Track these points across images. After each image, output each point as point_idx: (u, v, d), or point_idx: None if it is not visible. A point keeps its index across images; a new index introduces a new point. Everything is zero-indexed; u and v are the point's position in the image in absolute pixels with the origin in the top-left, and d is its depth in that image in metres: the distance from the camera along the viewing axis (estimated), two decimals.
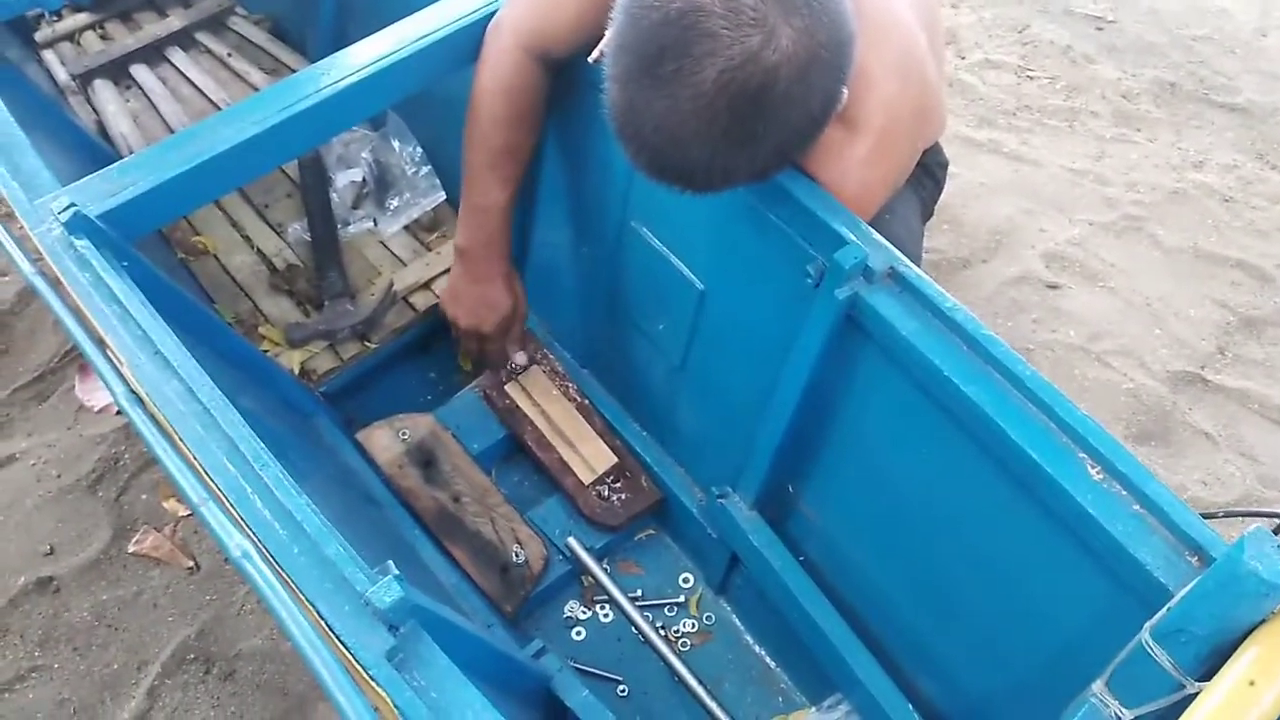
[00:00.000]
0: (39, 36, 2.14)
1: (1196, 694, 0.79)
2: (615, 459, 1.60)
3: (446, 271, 1.71)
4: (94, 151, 1.89)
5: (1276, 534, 0.82)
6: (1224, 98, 2.73)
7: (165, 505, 1.73)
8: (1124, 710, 0.87)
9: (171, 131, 1.95)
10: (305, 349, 1.68)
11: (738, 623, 1.55)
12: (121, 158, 1.84)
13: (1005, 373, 1.03)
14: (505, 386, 1.66)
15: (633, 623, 1.51)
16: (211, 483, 0.95)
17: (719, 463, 1.48)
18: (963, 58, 2.81)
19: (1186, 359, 2.13)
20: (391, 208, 1.87)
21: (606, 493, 1.59)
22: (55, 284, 1.10)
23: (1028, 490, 1.01)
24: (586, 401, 1.66)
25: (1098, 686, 0.90)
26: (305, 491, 0.93)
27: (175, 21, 2.18)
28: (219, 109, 1.98)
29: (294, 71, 2.06)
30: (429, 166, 1.89)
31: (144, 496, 1.75)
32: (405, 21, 1.40)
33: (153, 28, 2.18)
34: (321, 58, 1.39)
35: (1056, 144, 2.58)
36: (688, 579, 1.59)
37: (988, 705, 1.21)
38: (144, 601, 1.63)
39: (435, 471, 1.56)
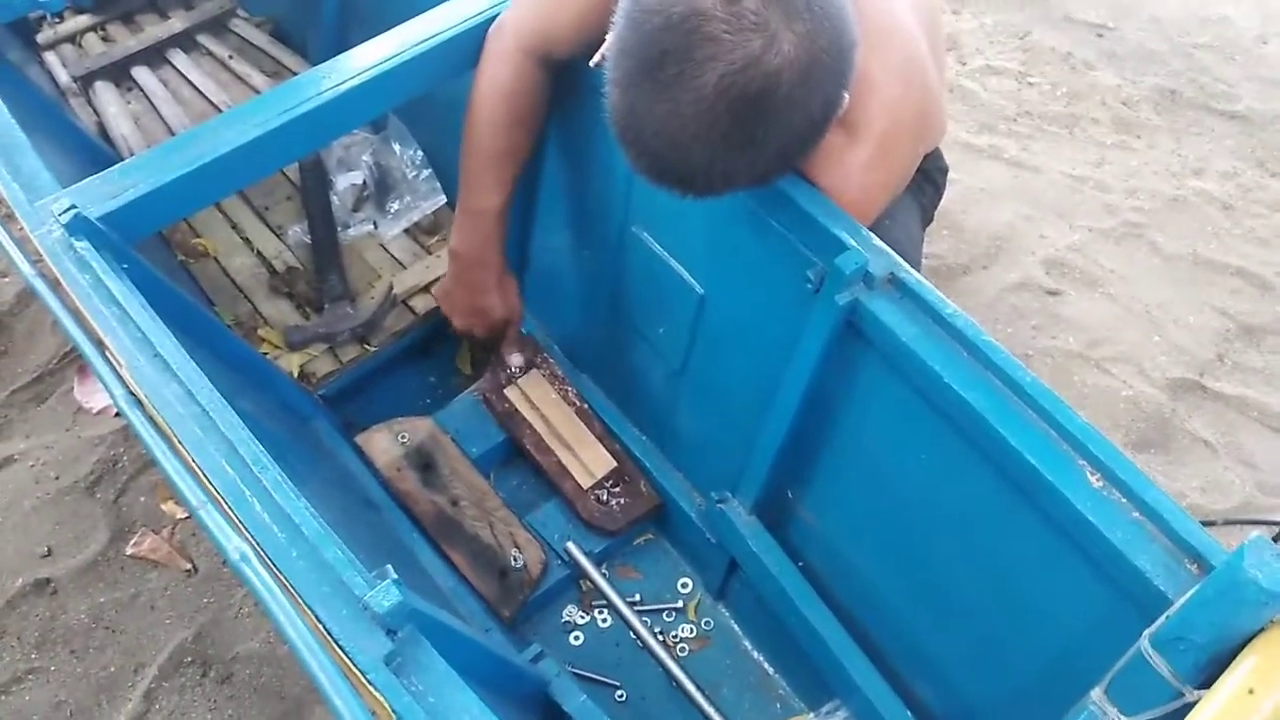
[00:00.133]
0: (40, 38, 2.14)
1: (1195, 702, 0.79)
2: (614, 463, 1.60)
3: None
4: (95, 153, 1.89)
5: (1276, 542, 0.81)
6: (1224, 105, 2.73)
7: (163, 507, 1.73)
8: (1123, 718, 0.87)
9: (172, 133, 1.95)
10: (304, 352, 1.68)
11: (736, 628, 1.55)
12: (122, 159, 1.85)
13: (1005, 379, 1.03)
14: (505, 390, 1.66)
15: (631, 628, 1.51)
16: (210, 485, 0.94)
17: (718, 467, 1.48)
18: (964, 64, 2.81)
19: (1186, 366, 2.13)
20: (392, 211, 1.87)
21: (605, 497, 1.58)
22: (55, 285, 1.10)
23: (1027, 497, 1.01)
24: (586, 405, 1.66)
25: (1096, 694, 0.89)
26: (303, 494, 0.93)
27: (177, 23, 2.18)
28: (220, 111, 1.98)
29: (295, 74, 2.08)
30: (429, 170, 1.89)
31: (142, 499, 1.75)
32: (407, 25, 1.40)
33: (154, 30, 2.18)
34: (323, 60, 1.39)
35: (1057, 150, 2.58)
36: (686, 584, 1.59)
37: (986, 712, 1.21)
38: (141, 604, 1.63)
39: (434, 475, 1.56)
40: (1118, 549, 0.93)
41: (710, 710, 1.44)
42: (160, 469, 0.95)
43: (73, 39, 2.17)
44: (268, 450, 0.96)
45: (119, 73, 2.10)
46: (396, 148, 1.89)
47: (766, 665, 1.52)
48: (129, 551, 1.68)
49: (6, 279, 2.05)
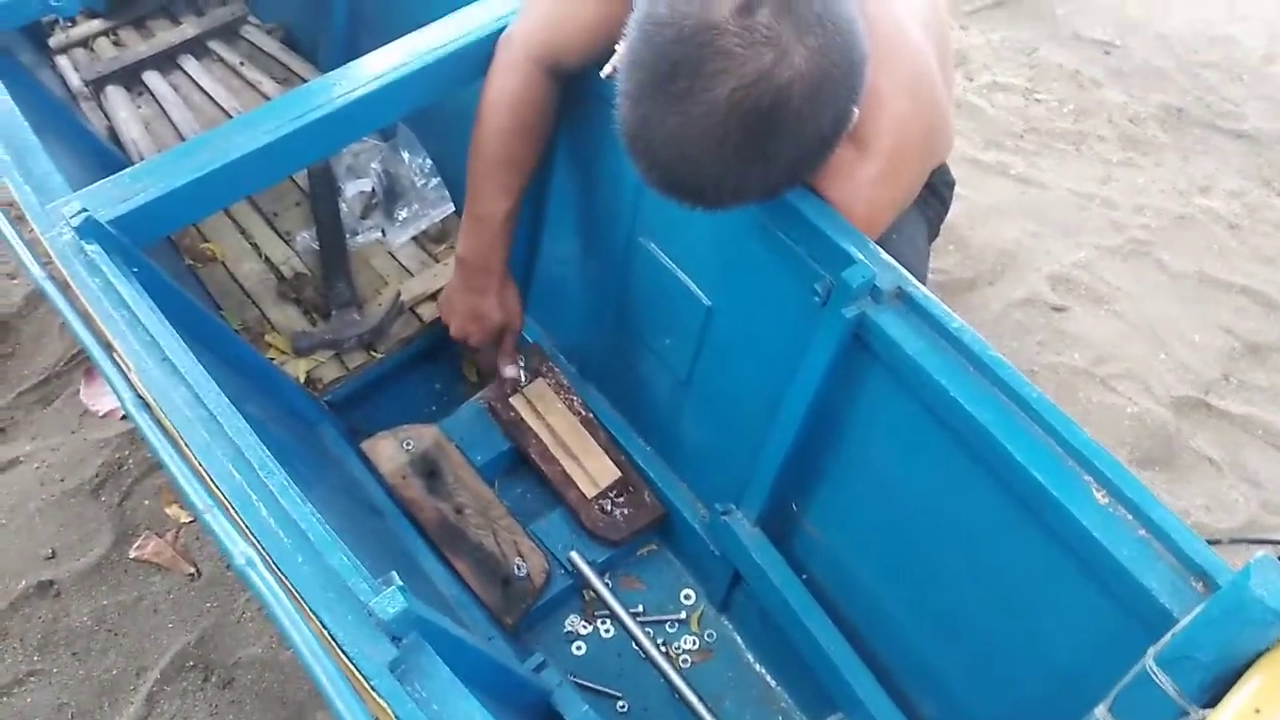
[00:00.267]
0: (53, 42, 2.15)
1: None
2: (619, 473, 1.60)
3: None
4: (105, 157, 1.90)
5: None
6: (1231, 124, 2.74)
7: (168, 511, 1.73)
8: None
9: (182, 138, 1.96)
10: (311, 358, 1.68)
11: (739, 640, 1.55)
12: (132, 163, 1.86)
13: (1011, 394, 1.03)
14: (510, 399, 1.66)
15: (634, 638, 1.51)
16: (217, 489, 0.95)
17: (723, 479, 1.48)
18: (971, 80, 2.81)
19: (1191, 384, 2.13)
20: (400, 218, 1.87)
21: (609, 507, 1.59)
22: (64, 288, 1.11)
23: (1033, 513, 1.01)
24: (591, 415, 1.66)
25: (1100, 711, 0.89)
26: (309, 500, 0.93)
27: (188, 29, 2.19)
28: (230, 117, 1.99)
29: (305, 81, 2.08)
30: (438, 178, 1.90)
31: (146, 502, 1.75)
32: (417, 34, 1.41)
33: (166, 35, 2.19)
34: (333, 68, 1.40)
35: (1063, 167, 2.59)
36: (689, 595, 1.59)
37: None
38: (144, 607, 1.63)
39: (438, 483, 1.56)
40: (1123, 566, 0.93)
41: None
42: (167, 473, 0.95)
43: (85, 43, 2.18)
44: (274, 455, 0.96)
45: (130, 77, 2.11)
46: (405, 156, 1.90)
47: (769, 678, 1.52)
48: (133, 555, 1.68)
49: (15, 281, 2.05)
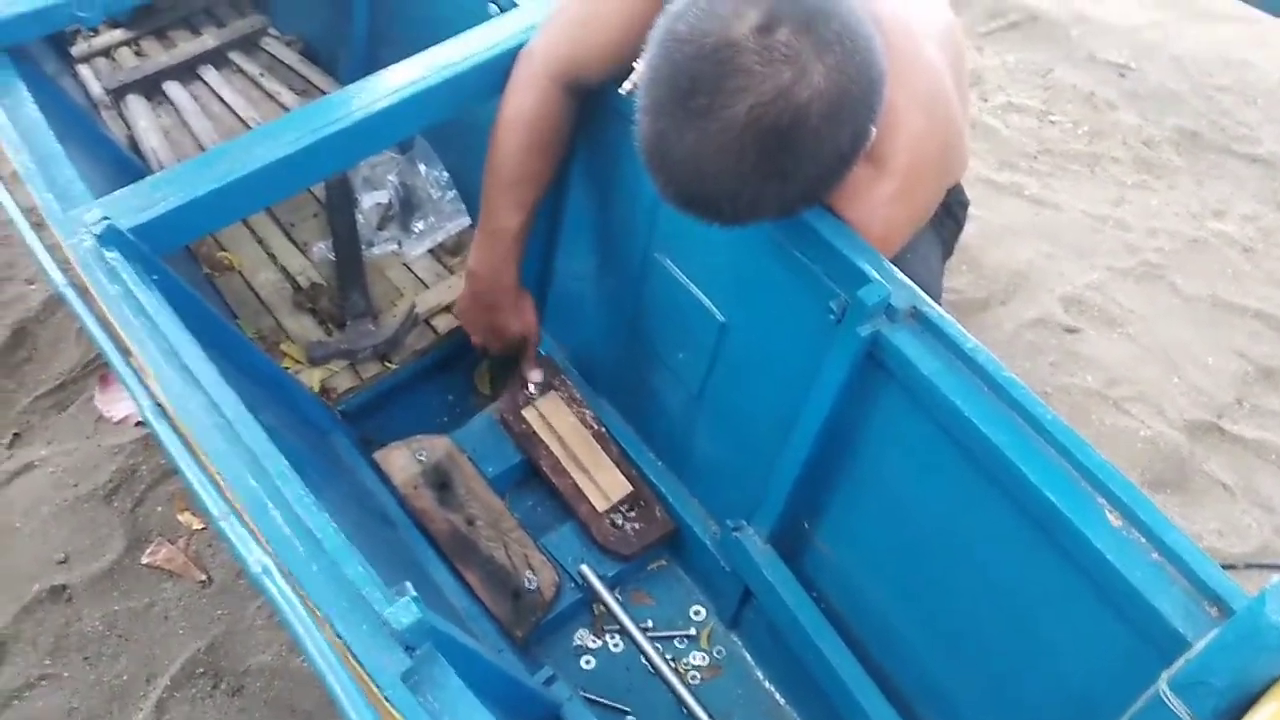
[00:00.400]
0: (75, 50, 2.17)
1: None
2: (630, 488, 1.61)
3: None
4: (124, 164, 1.92)
5: None
6: (1245, 148, 2.74)
7: (180, 518, 1.74)
8: None
9: (201, 148, 1.97)
10: (326, 367, 1.69)
11: (749, 658, 1.54)
12: (151, 172, 1.88)
13: (1026, 416, 1.03)
14: (522, 411, 1.66)
15: (643, 653, 1.51)
16: (232, 497, 0.95)
17: (734, 495, 1.48)
18: (985, 100, 2.82)
19: (1204, 408, 2.13)
20: (416, 230, 1.89)
21: (620, 521, 1.59)
22: (84, 294, 1.12)
23: (1046, 534, 1.01)
24: (603, 429, 1.66)
25: None
26: (322, 508, 0.94)
27: (209, 40, 2.21)
28: (249, 127, 2.00)
29: (324, 92, 2.11)
30: (454, 191, 1.91)
31: (159, 508, 1.75)
32: (437, 48, 1.42)
33: (187, 46, 2.21)
34: (353, 79, 1.41)
35: (1077, 189, 2.59)
36: (699, 611, 1.59)
37: None
38: (156, 613, 1.63)
39: (450, 494, 1.57)
40: (1136, 589, 0.92)
41: None
42: (183, 479, 0.96)
43: (106, 52, 2.20)
44: (289, 464, 0.97)
45: (151, 87, 2.13)
46: (422, 168, 1.91)
47: (778, 696, 1.51)
48: (145, 561, 1.69)
49: (33, 286, 2.07)
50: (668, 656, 1.52)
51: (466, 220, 1.91)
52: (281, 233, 1.92)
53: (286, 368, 1.67)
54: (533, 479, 1.68)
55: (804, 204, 1.08)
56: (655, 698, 1.49)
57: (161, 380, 1.03)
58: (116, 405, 1.88)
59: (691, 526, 1.56)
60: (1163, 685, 0.85)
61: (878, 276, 1.11)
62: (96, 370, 1.94)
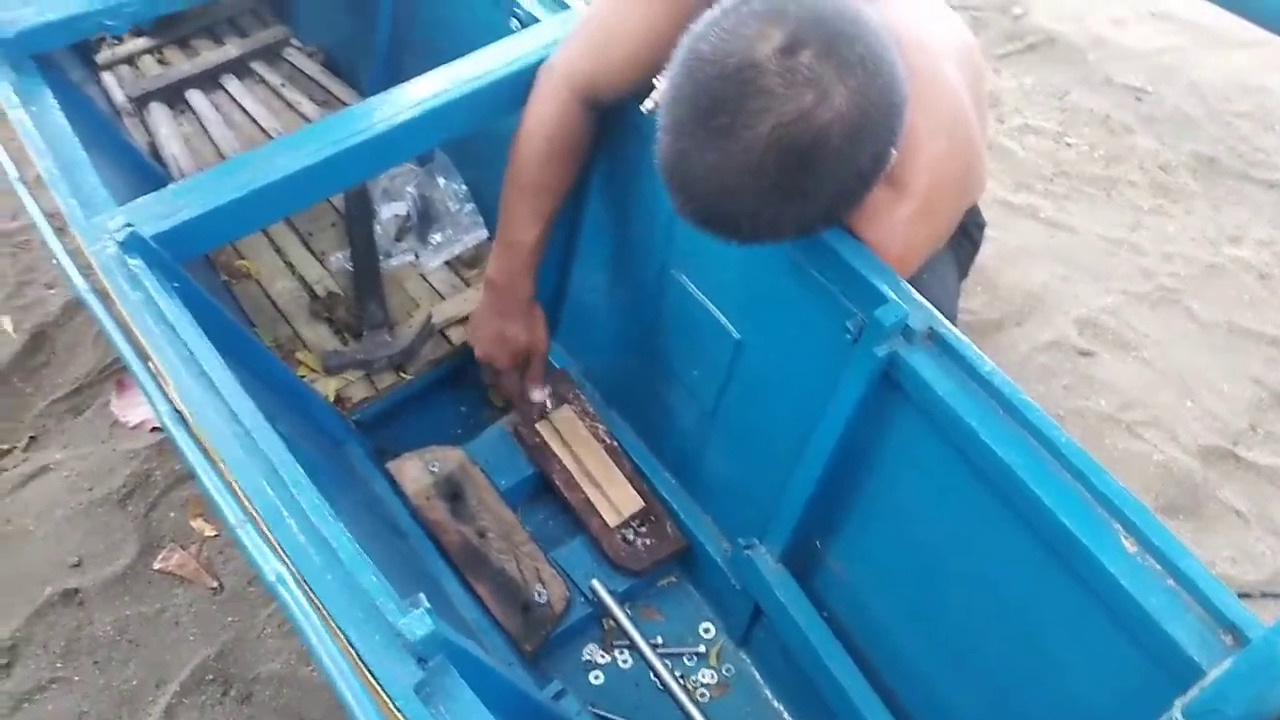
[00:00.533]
0: (99, 58, 2.19)
1: None
2: (642, 503, 1.61)
3: None
4: (145, 172, 1.93)
5: None
6: (1263, 174, 2.73)
7: (193, 524, 1.75)
8: None
9: (222, 156, 1.99)
10: (341, 377, 1.69)
11: (758, 676, 1.54)
12: (171, 179, 1.89)
13: (1042, 439, 1.03)
14: (535, 424, 1.67)
15: (653, 669, 1.51)
16: (249, 505, 0.96)
17: (747, 513, 1.48)
18: (1002, 122, 2.82)
19: (1218, 434, 2.12)
20: (434, 242, 1.90)
21: (631, 536, 1.59)
22: (105, 300, 1.13)
23: (1060, 559, 1.01)
24: (615, 443, 1.66)
25: None
26: (337, 518, 0.94)
27: (232, 50, 2.23)
28: (270, 137, 2.02)
29: (344, 103, 2.12)
30: (472, 204, 1.92)
31: (172, 514, 1.76)
32: (459, 62, 1.43)
33: (209, 55, 2.23)
34: (374, 90, 1.42)
35: (1093, 212, 2.59)
36: (709, 629, 1.58)
37: None
38: (166, 619, 1.64)
39: (462, 506, 1.57)
40: (1151, 616, 0.92)
41: None
42: (200, 486, 0.96)
43: (130, 60, 2.23)
44: (305, 473, 0.98)
45: (173, 95, 2.15)
46: (441, 181, 1.92)
47: (787, 715, 1.51)
48: (157, 566, 1.69)
49: (52, 291, 2.09)
50: (677, 673, 1.51)
51: (484, 233, 1.92)
52: (300, 242, 1.93)
53: (302, 376, 1.68)
54: (545, 492, 1.68)
55: (823, 224, 1.08)
56: (664, 714, 1.49)
57: (180, 387, 1.04)
58: (132, 410, 1.89)
59: (703, 543, 1.56)
60: (1176, 713, 0.84)
61: (895, 297, 1.11)
62: (113, 375, 1.95)
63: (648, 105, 1.28)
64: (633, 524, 1.59)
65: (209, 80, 2.20)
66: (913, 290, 1.13)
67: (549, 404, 1.68)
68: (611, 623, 1.56)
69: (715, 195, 1.01)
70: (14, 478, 1.80)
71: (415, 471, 1.59)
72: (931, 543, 1.19)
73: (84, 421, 1.89)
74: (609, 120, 1.44)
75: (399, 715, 0.81)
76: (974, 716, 1.22)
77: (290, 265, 1.89)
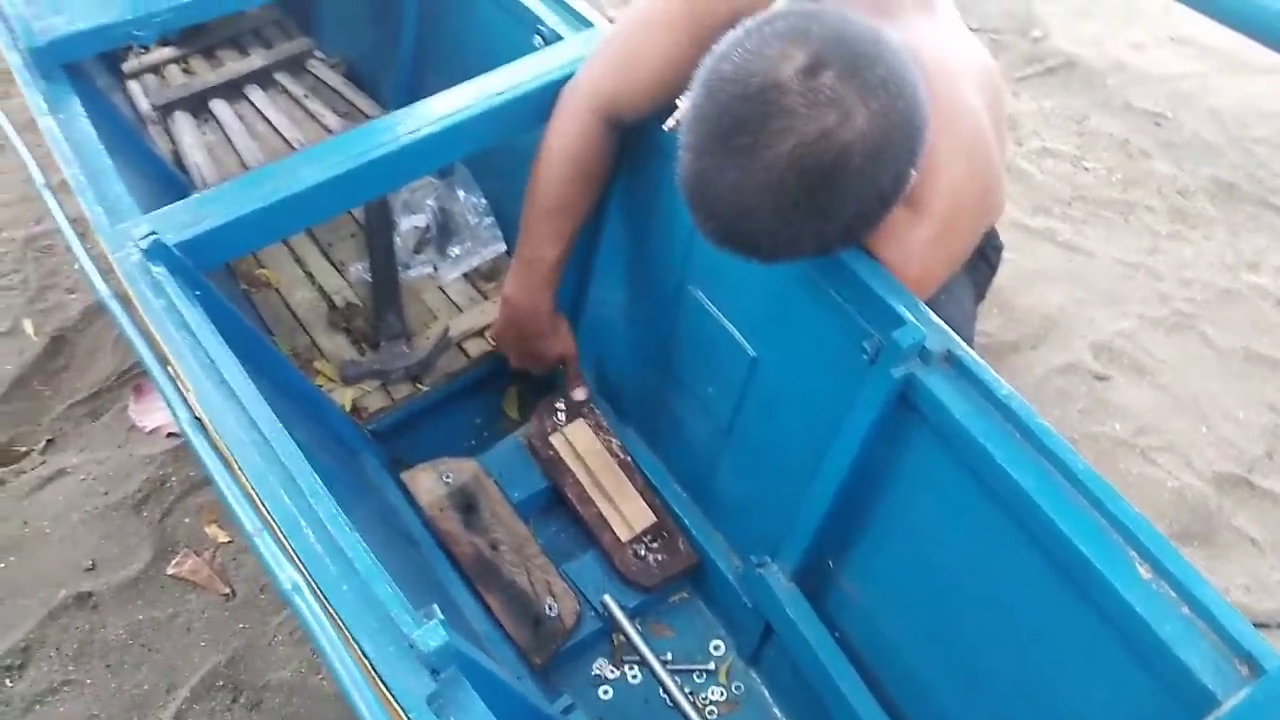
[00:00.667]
0: (126, 66, 2.22)
1: None
2: (654, 518, 1.61)
3: None
4: (168, 180, 1.95)
5: None
6: None
7: (207, 530, 1.76)
8: None
9: (245, 166, 2.00)
10: (358, 386, 1.70)
11: (767, 695, 1.53)
12: (194, 187, 1.91)
13: (1058, 464, 1.03)
14: (550, 437, 1.67)
15: (662, 686, 1.50)
16: (267, 513, 0.96)
17: (759, 530, 1.48)
18: (1020, 145, 2.83)
19: (1233, 461, 2.11)
20: (453, 255, 1.91)
21: (643, 552, 1.59)
22: (127, 305, 1.14)
23: (1074, 584, 1.00)
24: (628, 458, 1.67)
25: None
26: (354, 528, 0.95)
27: (256, 60, 2.25)
28: (293, 147, 2.04)
29: (366, 115, 2.14)
30: (491, 217, 1.93)
31: (187, 520, 1.77)
32: (482, 78, 1.44)
33: (234, 65, 2.25)
34: (397, 103, 1.44)
35: (1110, 236, 2.59)
36: (719, 646, 1.58)
37: None
38: (179, 624, 1.65)
39: (475, 517, 1.57)
40: (1166, 644, 0.92)
41: None
42: (218, 493, 0.97)
43: (156, 69, 2.25)
44: (322, 482, 0.98)
45: (197, 104, 2.17)
46: (461, 194, 1.94)
47: None
48: (170, 571, 1.70)
49: (73, 296, 2.11)
50: (686, 690, 1.51)
51: (502, 246, 1.93)
52: (319, 252, 1.95)
53: (319, 386, 1.69)
54: (557, 505, 1.68)
55: (842, 244, 1.09)
56: None
57: (201, 394, 1.05)
58: (149, 416, 1.90)
59: (715, 560, 1.56)
60: None
61: (913, 319, 1.12)
62: (131, 380, 1.96)
63: (669, 124, 1.28)
64: (644, 539, 1.60)
65: (233, 90, 2.22)
66: (931, 313, 1.14)
67: (563, 417, 1.69)
68: (622, 638, 1.56)
69: (736, 213, 1.01)
70: (31, 480, 1.81)
71: (429, 482, 1.59)
72: (945, 565, 1.19)
73: (101, 426, 1.91)
74: (630, 137, 1.44)
75: None
76: None
77: (310, 275, 1.90)
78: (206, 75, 2.23)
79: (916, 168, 1.04)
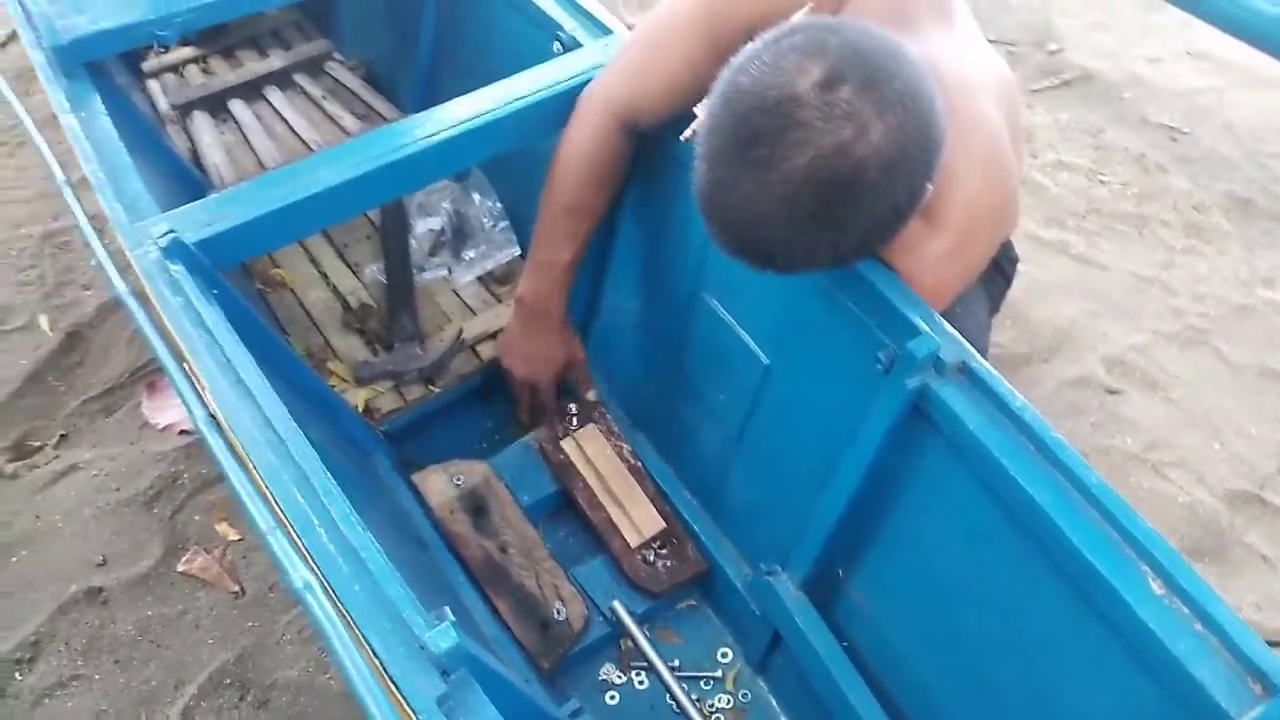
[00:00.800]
0: (146, 66, 2.24)
1: None
2: (664, 524, 1.61)
3: None
4: (186, 179, 1.96)
5: None
6: None
7: (218, 528, 1.76)
8: None
9: (262, 166, 2.01)
10: (371, 387, 1.71)
11: (774, 703, 1.53)
12: (212, 186, 1.92)
13: (1071, 477, 1.02)
14: (561, 441, 1.67)
15: (669, 692, 1.50)
16: (280, 511, 0.97)
17: (769, 539, 1.48)
18: (1036, 157, 2.82)
19: (1246, 477, 2.10)
20: (467, 258, 1.91)
21: (652, 558, 1.59)
22: (144, 302, 1.14)
23: (1086, 598, 1.00)
24: (639, 464, 1.67)
25: None
26: (366, 528, 0.95)
27: (275, 61, 2.27)
28: (310, 148, 2.05)
29: (384, 117, 2.15)
30: (506, 221, 1.94)
31: (198, 517, 1.78)
32: (501, 83, 1.45)
33: (253, 65, 2.26)
34: (415, 105, 1.44)
35: (1125, 250, 2.58)
36: (726, 654, 1.58)
37: None
38: (188, 621, 1.65)
39: (485, 520, 1.58)
40: (1178, 660, 0.91)
41: None
42: (231, 490, 0.98)
43: (175, 69, 2.26)
44: (335, 482, 0.99)
45: (216, 104, 2.18)
46: (476, 197, 1.94)
47: None
48: (180, 568, 1.71)
49: (89, 292, 2.12)
50: (693, 697, 1.51)
51: (516, 250, 1.93)
52: (334, 253, 1.95)
53: (333, 386, 1.69)
54: (567, 510, 1.68)
55: (857, 256, 1.09)
56: None
57: (216, 392, 1.06)
58: (162, 413, 1.91)
59: (724, 568, 1.56)
60: None
61: (928, 329, 1.11)
62: (145, 377, 1.97)
63: (686, 134, 1.29)
64: (654, 545, 1.60)
65: (252, 90, 2.23)
66: (946, 324, 1.14)
67: (575, 421, 1.69)
68: (629, 643, 1.56)
69: (751, 224, 1.01)
70: (44, 475, 1.82)
71: (440, 484, 1.60)
72: (956, 576, 1.19)
73: (114, 422, 1.92)
74: (645, 145, 1.45)
75: None
76: None
77: (325, 276, 1.91)
78: (226, 75, 2.25)
79: (933, 181, 1.04)
